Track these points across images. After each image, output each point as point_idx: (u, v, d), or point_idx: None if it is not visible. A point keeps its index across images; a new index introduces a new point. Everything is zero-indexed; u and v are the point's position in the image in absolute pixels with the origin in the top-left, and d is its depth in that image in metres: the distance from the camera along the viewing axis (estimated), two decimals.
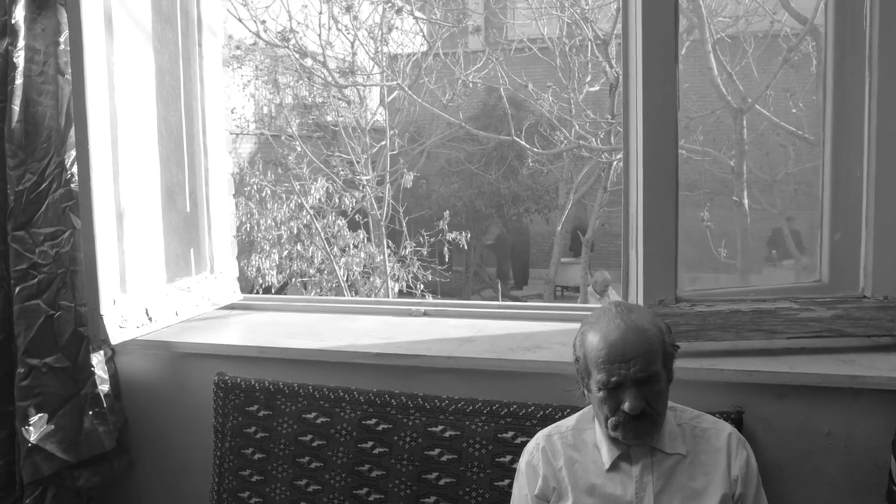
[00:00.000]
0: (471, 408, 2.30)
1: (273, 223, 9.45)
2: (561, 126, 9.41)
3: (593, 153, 9.39)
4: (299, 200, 9.33)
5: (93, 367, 2.62)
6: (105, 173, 2.62)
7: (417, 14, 9.76)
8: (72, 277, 2.60)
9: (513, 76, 9.32)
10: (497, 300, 12.38)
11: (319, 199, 9.42)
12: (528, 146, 9.61)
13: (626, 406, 1.71)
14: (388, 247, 9.41)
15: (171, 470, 2.78)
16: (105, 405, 2.63)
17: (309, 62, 9.67)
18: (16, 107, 2.53)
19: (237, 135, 11.09)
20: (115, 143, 2.68)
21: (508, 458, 2.22)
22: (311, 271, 9.49)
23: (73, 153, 2.58)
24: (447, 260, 10.08)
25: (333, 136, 10.18)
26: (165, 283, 2.92)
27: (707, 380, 2.20)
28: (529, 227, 15.36)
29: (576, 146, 9.36)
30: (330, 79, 9.63)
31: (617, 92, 8.64)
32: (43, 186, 2.57)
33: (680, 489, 1.79)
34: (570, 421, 1.94)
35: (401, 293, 9.57)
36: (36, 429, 2.52)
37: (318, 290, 9.39)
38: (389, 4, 9.16)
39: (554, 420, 2.07)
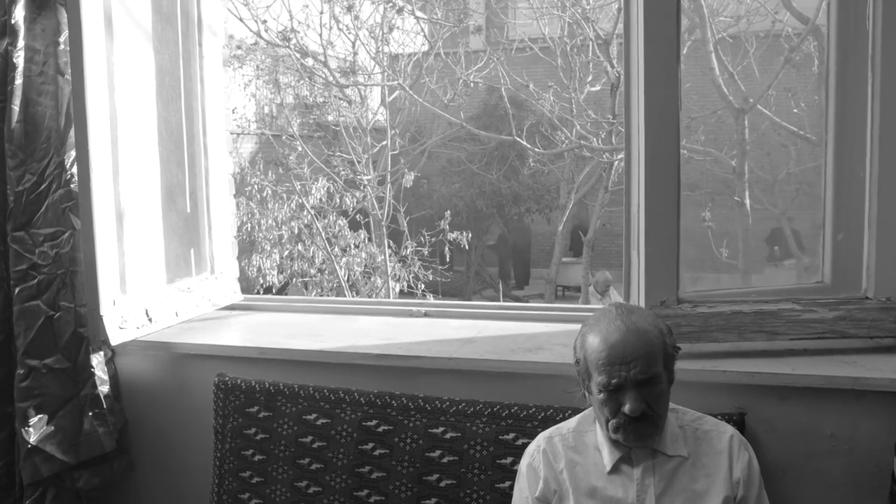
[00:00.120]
0: (472, 409, 2.29)
1: (274, 223, 9.44)
2: (562, 126, 9.40)
3: (594, 153, 9.38)
4: (300, 200, 9.33)
5: (93, 368, 2.61)
6: (105, 174, 2.61)
7: (418, 14, 9.75)
8: (71, 278, 2.60)
9: (514, 76, 9.31)
10: (498, 300, 12.38)
11: (320, 199, 9.41)
12: (529, 146, 9.60)
13: (626, 408, 1.70)
14: (389, 247, 9.41)
15: (171, 471, 2.78)
16: (105, 406, 2.63)
17: (310, 62, 9.66)
18: (15, 107, 2.52)
19: (238, 134, 11.09)
20: (115, 144, 2.67)
21: (509, 459, 2.21)
22: (312, 271, 9.49)
23: (73, 153, 2.58)
24: (448, 260, 10.08)
25: (334, 136, 10.17)
26: (165, 283, 2.91)
27: (709, 381, 2.19)
28: (530, 226, 15.36)
29: (577, 146, 9.35)
30: (331, 78, 9.63)
31: (618, 92, 8.64)
32: (43, 187, 2.57)
33: (681, 491, 1.78)
34: (571, 423, 1.94)
35: (402, 293, 9.56)
36: (36, 430, 2.52)
37: (319, 290, 9.38)
38: (390, 4, 9.16)
39: (555, 422, 2.06)
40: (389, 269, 9.21)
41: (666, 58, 2.27)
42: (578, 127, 9.19)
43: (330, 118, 10.62)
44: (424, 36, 9.91)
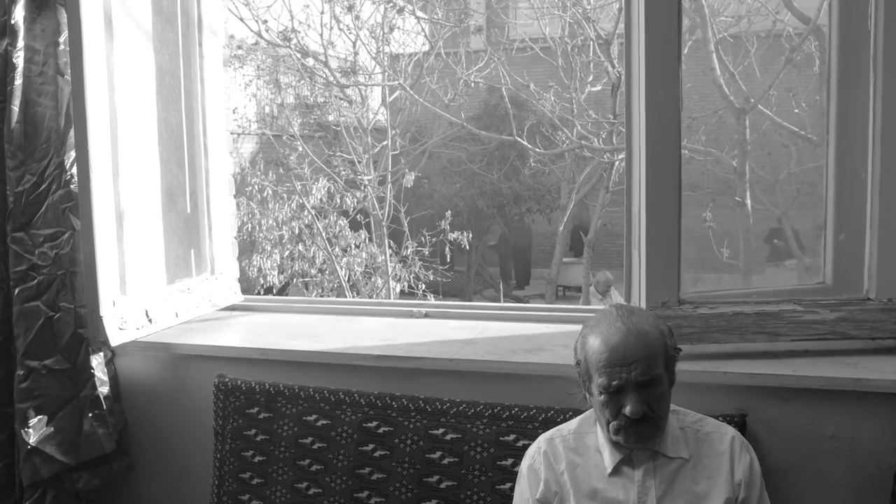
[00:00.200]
0: (472, 410, 2.28)
1: (274, 223, 9.44)
2: (563, 126, 9.39)
3: (595, 153, 9.37)
4: (301, 200, 9.32)
5: (92, 368, 2.61)
6: (105, 174, 2.61)
7: (419, 14, 9.74)
8: (71, 279, 2.60)
9: (514, 76, 9.30)
10: (499, 300, 12.37)
11: (321, 199, 9.41)
12: (529, 146, 9.59)
13: (627, 410, 1.69)
14: (390, 247, 9.40)
15: (171, 472, 2.77)
16: (105, 407, 2.62)
17: (310, 62, 9.65)
18: (15, 107, 2.52)
19: (239, 135, 11.08)
20: (115, 144, 2.66)
21: (510, 461, 2.21)
22: (313, 271, 9.48)
23: (73, 154, 2.57)
24: (449, 260, 10.06)
25: (335, 136, 10.16)
26: (165, 284, 2.91)
27: (710, 382, 2.19)
28: (531, 227, 15.35)
29: (578, 146, 9.34)
30: (331, 78, 9.62)
31: (619, 92, 8.62)
32: (42, 187, 2.56)
33: (683, 493, 1.78)
34: (572, 424, 1.93)
35: (402, 293, 9.55)
36: (35, 431, 2.51)
37: (320, 291, 9.38)
38: (391, 4, 9.14)
39: (556, 423, 2.06)
40: (390, 270, 9.21)
41: (667, 58, 2.26)
42: (579, 127, 9.18)
43: (330, 118, 10.61)
44: (425, 36, 9.90)
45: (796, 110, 8.05)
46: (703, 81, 7.31)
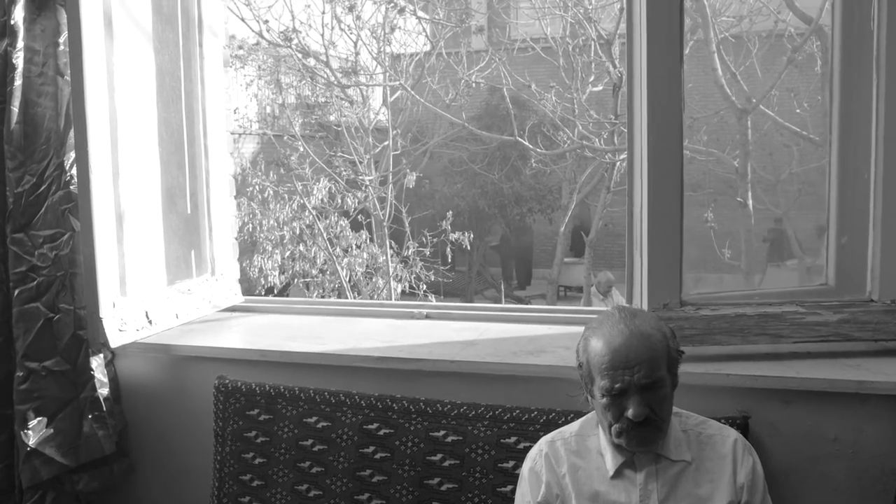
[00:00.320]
0: (473, 412, 2.27)
1: (275, 223, 9.43)
2: (564, 126, 9.38)
3: (596, 153, 9.36)
4: (302, 201, 9.32)
5: (92, 370, 2.60)
6: (105, 175, 2.60)
7: (420, 14, 9.73)
8: (71, 280, 2.59)
9: (516, 76, 9.29)
10: (500, 300, 12.36)
11: (322, 200, 9.40)
12: (531, 146, 9.58)
13: (630, 413, 1.68)
14: (391, 247, 9.39)
15: (172, 474, 2.77)
16: (104, 409, 2.62)
17: (312, 62, 9.64)
18: (15, 108, 2.51)
19: (240, 135, 11.08)
20: (115, 145, 2.66)
21: (511, 463, 2.20)
22: (314, 272, 9.47)
23: (73, 155, 2.57)
24: (450, 260, 10.05)
25: (336, 136, 10.15)
26: (166, 285, 2.90)
27: (712, 385, 2.18)
28: (532, 227, 15.34)
29: (579, 146, 9.33)
30: (333, 79, 9.61)
31: (620, 92, 8.62)
32: (42, 188, 2.56)
33: (685, 497, 1.77)
34: (574, 427, 1.92)
35: (403, 294, 9.55)
36: (35, 432, 2.50)
37: (321, 291, 9.37)
38: (392, 4, 9.13)
39: (557, 425, 2.05)
40: (391, 270, 9.20)
41: (669, 58, 2.25)
42: (580, 127, 9.17)
43: (332, 118, 10.60)
44: (426, 36, 9.89)
45: (798, 110, 8.03)
46: (704, 81, 7.30)
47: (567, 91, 9.22)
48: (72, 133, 2.56)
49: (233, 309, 3.15)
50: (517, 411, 2.24)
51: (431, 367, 2.43)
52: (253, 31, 9.12)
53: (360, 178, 9.36)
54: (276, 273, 9.33)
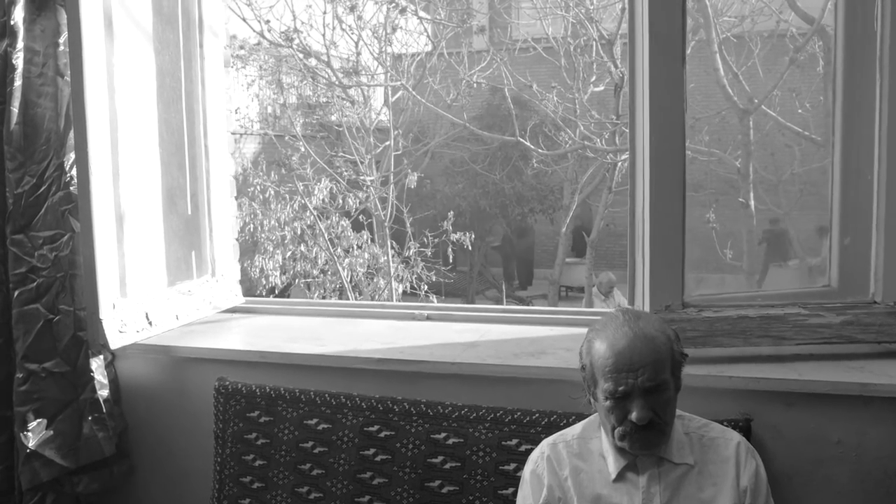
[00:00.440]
0: (474, 414, 2.26)
1: (276, 224, 9.43)
2: (565, 126, 9.37)
3: (598, 154, 9.35)
4: (303, 201, 9.31)
5: (92, 371, 2.59)
6: (105, 176, 2.59)
7: (422, 14, 9.72)
8: (71, 281, 2.58)
9: (517, 76, 9.28)
10: (502, 301, 12.35)
11: (323, 200, 9.40)
12: (532, 147, 9.57)
13: (633, 416, 1.67)
14: (392, 247, 9.38)
15: (172, 476, 2.76)
16: (104, 410, 2.61)
17: (313, 62, 9.64)
18: (15, 109, 2.50)
19: (241, 135, 11.07)
20: (115, 146, 2.65)
21: (512, 465, 2.19)
22: (315, 272, 9.47)
23: (73, 156, 2.56)
24: (451, 260, 10.04)
25: (337, 137, 10.15)
26: (166, 286, 2.89)
27: (714, 387, 2.17)
28: (534, 227, 15.33)
29: (580, 147, 9.32)
30: (334, 79, 9.60)
31: (622, 92, 8.60)
32: (42, 189, 2.55)
33: (688, 500, 1.76)
34: (576, 429, 1.91)
35: (405, 294, 9.54)
36: (34, 434, 2.50)
37: (322, 291, 9.37)
38: (393, 4, 9.13)
39: (559, 428, 2.04)
40: (392, 270, 9.19)
41: (671, 58, 2.25)
42: (582, 127, 9.16)
43: (333, 118, 10.60)
44: (427, 36, 9.88)
45: (800, 111, 8.02)
46: (706, 82, 7.29)
47: (568, 91, 9.21)
48: (72, 134, 2.56)
49: (233, 310, 3.14)
50: (518, 413, 2.23)
51: (432, 368, 2.42)
52: (254, 31, 9.12)
53: (362, 178, 9.35)
54: (278, 273, 9.33)
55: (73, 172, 2.56)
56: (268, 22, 9.00)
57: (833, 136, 2.48)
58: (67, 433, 2.56)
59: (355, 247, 9.44)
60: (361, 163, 9.44)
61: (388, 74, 9.64)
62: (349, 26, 9.38)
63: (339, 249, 9.37)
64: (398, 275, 9.39)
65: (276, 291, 9.37)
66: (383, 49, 9.45)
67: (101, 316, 2.58)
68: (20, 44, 2.50)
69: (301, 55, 9.31)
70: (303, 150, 9.45)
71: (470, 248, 10.07)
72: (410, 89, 9.33)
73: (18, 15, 2.50)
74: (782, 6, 7.24)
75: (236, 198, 3.28)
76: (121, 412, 2.70)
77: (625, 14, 7.98)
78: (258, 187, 9.54)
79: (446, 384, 2.41)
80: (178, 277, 2.95)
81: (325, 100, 10.79)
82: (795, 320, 2.26)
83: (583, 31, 9.00)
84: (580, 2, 8.88)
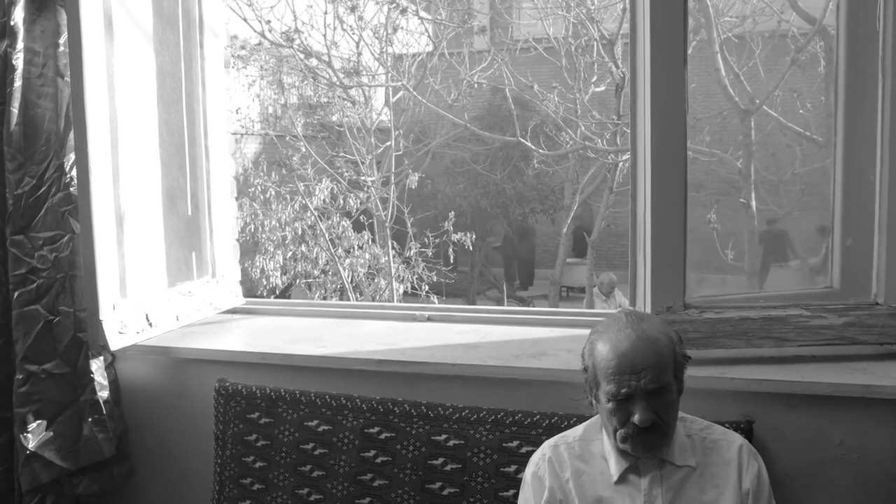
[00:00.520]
0: (475, 416, 2.26)
1: (277, 224, 9.43)
2: (566, 127, 9.36)
3: (599, 154, 9.34)
4: (304, 201, 9.31)
5: (92, 373, 2.59)
6: (105, 177, 2.58)
7: (423, 14, 9.72)
8: (71, 282, 2.58)
9: (518, 76, 9.28)
10: (502, 301, 12.34)
11: (324, 200, 9.39)
12: (533, 147, 9.56)
13: (636, 418, 1.67)
14: (393, 248, 9.38)
15: (172, 477, 2.75)
16: (104, 412, 2.60)
17: (314, 62, 9.64)
18: (15, 109, 2.50)
19: (242, 135, 11.07)
20: (116, 147, 2.64)
21: (513, 467, 2.18)
22: (316, 272, 9.47)
23: (73, 156, 2.55)
24: (452, 261, 10.04)
25: (338, 137, 10.15)
26: (166, 287, 2.88)
27: (716, 388, 2.16)
28: (535, 227, 15.33)
29: (581, 147, 9.31)
30: (335, 79, 9.60)
31: (623, 92, 8.59)
32: (42, 190, 2.54)
33: (689, 502, 1.75)
34: (577, 431, 1.90)
35: (406, 294, 9.53)
36: (34, 436, 2.49)
37: (323, 292, 9.36)
38: (394, 5, 9.12)
39: (560, 429, 2.03)
40: (393, 271, 9.19)
41: (672, 58, 2.24)
42: (583, 128, 9.16)
43: (334, 119, 10.60)
44: (428, 36, 9.88)
45: (801, 111, 8.02)
46: (707, 82, 7.29)
47: (569, 91, 9.20)
48: (72, 134, 2.55)
49: (234, 311, 3.14)
50: (519, 415, 2.22)
51: (433, 370, 2.42)
52: (255, 31, 9.12)
53: (363, 178, 9.35)
54: (278, 274, 9.32)
55: (73, 173, 2.56)
56: (269, 22, 9.01)
57: (835, 137, 2.47)
58: (67, 434, 2.55)
59: (356, 247, 9.43)
60: (362, 163, 9.44)
61: (389, 75, 9.64)
62: (350, 26, 9.38)
63: (339, 250, 9.37)
64: (399, 275, 9.38)
65: (277, 292, 9.37)
66: (384, 49, 9.45)
67: (101, 317, 2.57)
68: (20, 44, 2.50)
69: (302, 55, 9.31)
70: (304, 150, 9.45)
71: (471, 248, 10.06)
72: (411, 89, 9.33)
73: (18, 15, 2.49)
74: (783, 6, 7.23)
75: (237, 198, 3.27)
76: (121, 413, 2.69)
77: (626, 14, 7.97)
78: (259, 187, 9.54)
79: (447, 386, 2.40)
80: (178, 278, 2.95)
81: (325, 100, 10.80)
82: (797, 322, 2.25)
83: (584, 32, 9.00)
84: (581, 2, 8.88)
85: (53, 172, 2.55)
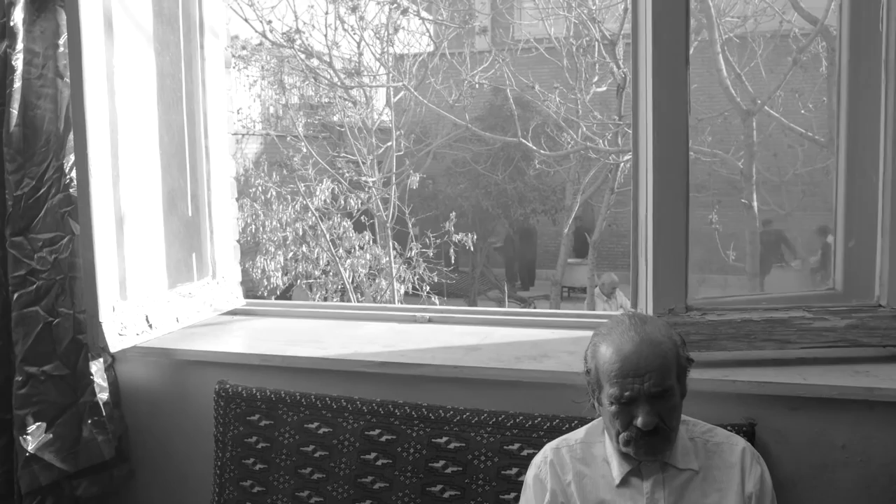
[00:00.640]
0: (476, 419, 2.25)
1: (278, 224, 9.42)
2: (568, 127, 9.35)
3: (600, 154, 9.33)
4: (305, 202, 9.30)
5: (92, 375, 2.58)
6: (104, 178, 2.57)
7: (424, 14, 9.71)
8: (70, 284, 2.57)
9: (519, 77, 9.26)
10: (504, 301, 12.33)
11: (325, 201, 9.38)
12: (534, 147, 9.55)
13: (639, 422, 1.66)
14: (394, 248, 9.37)
15: (172, 479, 2.75)
16: (104, 414, 2.60)
17: (315, 62, 9.63)
18: (14, 110, 2.49)
19: (243, 135, 11.07)
20: (115, 148, 2.63)
21: (514, 470, 2.17)
22: (317, 273, 9.46)
23: (72, 157, 2.55)
24: (453, 261, 10.03)
25: (339, 137, 10.14)
26: (166, 288, 2.88)
27: (718, 391, 2.15)
28: (536, 227, 15.33)
29: (583, 147, 9.30)
30: (336, 79, 9.59)
31: (624, 93, 8.58)
32: (41, 191, 2.54)
33: None
34: (579, 434, 1.90)
35: (407, 295, 9.52)
36: (34, 438, 2.48)
37: (324, 292, 9.35)
38: (395, 5, 9.11)
39: (561, 432, 2.02)
40: (394, 271, 9.18)
41: (674, 59, 2.23)
42: (584, 128, 9.14)
43: (335, 119, 10.59)
44: (430, 37, 9.87)
45: (803, 111, 8.02)
46: (709, 82, 7.28)
47: (571, 92, 9.19)
48: (71, 135, 2.54)
49: (234, 312, 3.13)
50: (521, 417, 2.21)
51: (434, 372, 2.41)
52: (256, 31, 9.11)
53: (364, 178, 9.34)
54: (279, 274, 9.31)
55: (73, 174, 2.55)
56: (270, 22, 8.99)
57: (837, 138, 2.46)
58: (67, 436, 2.54)
59: (357, 247, 9.42)
60: (363, 163, 9.43)
61: (390, 75, 9.63)
62: (351, 27, 9.36)
63: (340, 250, 9.36)
64: (400, 276, 9.37)
65: (278, 292, 9.36)
66: (385, 49, 9.44)
67: (101, 319, 2.56)
68: (20, 45, 2.49)
69: (303, 55, 9.30)
70: (305, 150, 9.44)
71: (472, 248, 10.04)
72: (412, 90, 9.32)
73: (18, 16, 2.49)
74: (785, 7, 7.23)
75: (238, 198, 3.26)
76: (120, 415, 2.68)
77: (627, 14, 7.96)
78: (260, 188, 9.53)
79: (448, 388, 2.39)
80: (178, 280, 2.94)
81: (326, 100, 10.78)
82: (800, 324, 2.24)
83: (585, 32, 8.99)
84: (582, 2, 8.86)
85: (53, 173, 2.54)
